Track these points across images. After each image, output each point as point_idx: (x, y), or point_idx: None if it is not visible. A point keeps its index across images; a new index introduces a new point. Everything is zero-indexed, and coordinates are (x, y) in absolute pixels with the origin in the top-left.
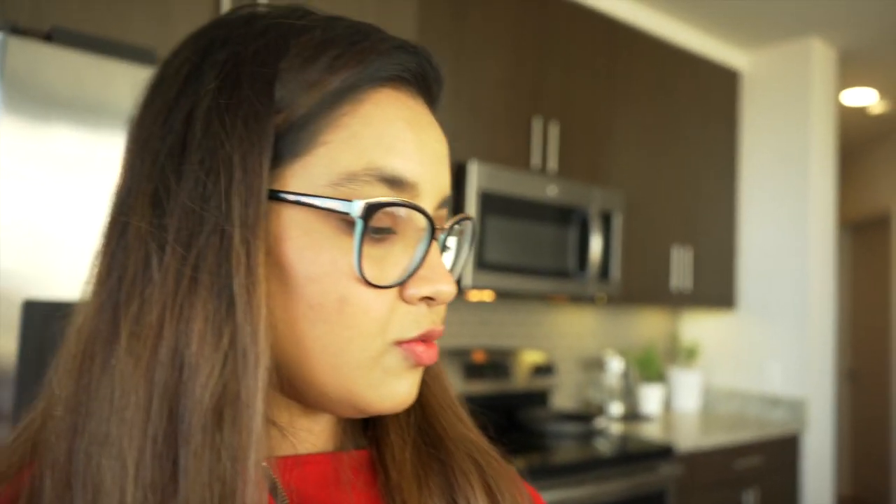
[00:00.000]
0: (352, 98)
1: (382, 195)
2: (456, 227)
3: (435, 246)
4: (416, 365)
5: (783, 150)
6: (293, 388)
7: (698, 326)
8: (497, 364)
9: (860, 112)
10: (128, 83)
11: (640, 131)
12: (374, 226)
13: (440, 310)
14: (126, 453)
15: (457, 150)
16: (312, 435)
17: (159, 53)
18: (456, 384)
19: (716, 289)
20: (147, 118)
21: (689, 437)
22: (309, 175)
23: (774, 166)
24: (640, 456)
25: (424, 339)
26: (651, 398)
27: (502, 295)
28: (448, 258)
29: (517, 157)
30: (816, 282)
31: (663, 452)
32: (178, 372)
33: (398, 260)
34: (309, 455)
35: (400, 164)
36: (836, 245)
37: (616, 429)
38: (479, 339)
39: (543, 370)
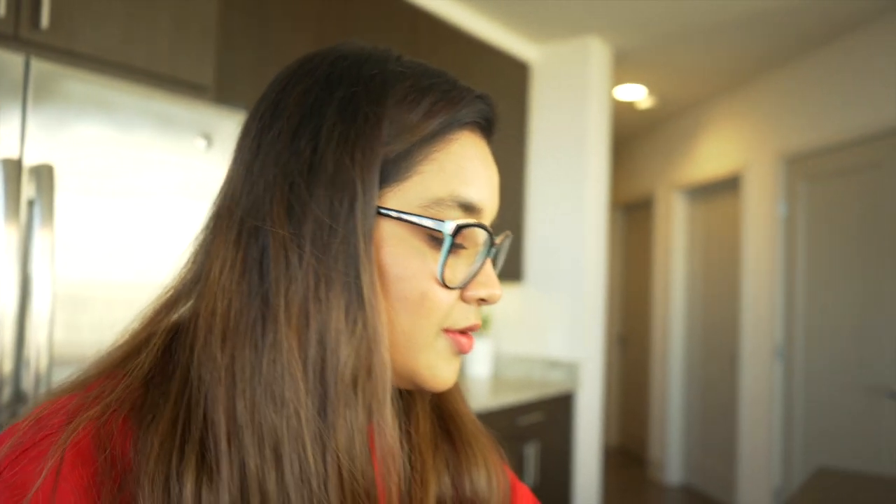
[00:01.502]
0: (442, 138)
1: (459, 217)
2: (505, 242)
3: (489, 258)
4: (460, 352)
5: (565, 138)
6: None
7: None
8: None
9: (630, 106)
10: None
11: None
12: (456, 241)
13: (482, 310)
14: (299, 408)
15: None
16: None
17: None
18: None
19: (506, 264)
20: (267, 137)
21: (479, 398)
22: (405, 197)
23: (558, 152)
24: None
25: (467, 330)
26: None
27: None
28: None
29: None
30: (591, 257)
31: None
32: (323, 350)
33: (463, 267)
34: None
35: (474, 193)
36: (608, 224)
37: None
38: None
39: None
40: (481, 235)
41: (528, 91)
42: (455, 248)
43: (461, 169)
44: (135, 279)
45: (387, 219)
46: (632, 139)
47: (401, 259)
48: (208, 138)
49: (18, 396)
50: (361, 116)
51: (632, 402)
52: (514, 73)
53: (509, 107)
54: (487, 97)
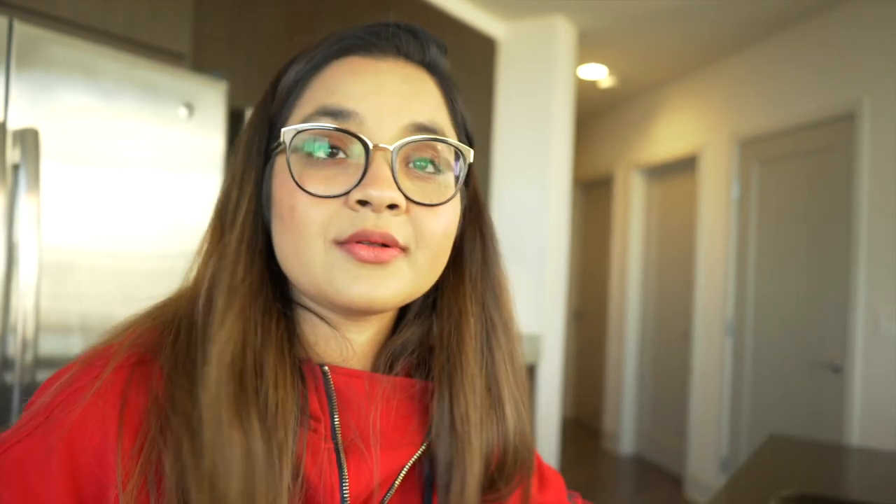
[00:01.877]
0: (317, 72)
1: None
2: (430, 150)
3: (377, 160)
4: (360, 261)
5: (531, 115)
6: (301, 299)
7: None
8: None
9: (592, 85)
10: None
11: None
12: (308, 149)
13: (397, 222)
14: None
15: (234, 96)
16: (347, 353)
17: None
18: None
19: None
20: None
21: None
22: (285, 135)
23: (523, 129)
24: None
25: (359, 239)
26: None
27: None
28: (438, 180)
29: None
30: (554, 234)
31: None
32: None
33: (350, 176)
34: (355, 370)
35: (339, 100)
36: (570, 201)
37: None
38: None
39: None
40: (354, 138)
41: (495, 67)
42: (318, 159)
43: (329, 87)
44: (117, 247)
45: (276, 157)
46: (593, 118)
47: (278, 183)
48: (189, 107)
49: (5, 363)
50: (268, 91)
51: (586, 375)
52: (482, 49)
53: (476, 82)
54: (385, 25)
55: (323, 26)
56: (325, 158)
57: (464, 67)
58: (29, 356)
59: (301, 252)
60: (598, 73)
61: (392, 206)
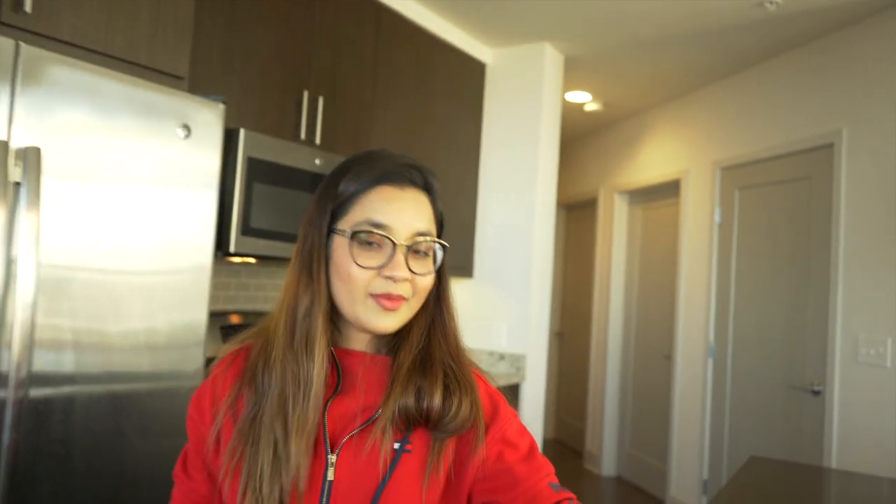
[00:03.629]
0: (365, 191)
1: (371, 231)
2: (424, 245)
3: (398, 253)
4: (384, 309)
5: (517, 137)
6: (343, 317)
7: None
8: (252, 325)
9: (578, 108)
10: None
11: (399, 110)
12: (361, 240)
13: (405, 286)
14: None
15: (227, 117)
16: (361, 343)
17: None
18: (212, 346)
19: (458, 260)
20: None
21: None
22: (346, 223)
23: (509, 152)
24: None
25: (387, 297)
26: None
27: (264, 259)
28: (425, 262)
29: (285, 128)
30: (538, 255)
31: None
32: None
33: (380, 259)
34: (356, 351)
35: (379, 217)
36: (555, 223)
37: None
38: (237, 302)
39: None
40: (388, 239)
41: (484, 90)
42: (366, 245)
43: (373, 205)
44: (112, 263)
45: (337, 235)
46: (577, 140)
47: (340, 256)
48: (187, 128)
49: None
50: (331, 186)
51: (568, 395)
52: (471, 72)
53: (466, 105)
54: (405, 164)
55: (316, 54)
56: (367, 246)
57: (453, 90)
58: (23, 372)
59: (352, 297)
60: (584, 98)
61: (403, 280)
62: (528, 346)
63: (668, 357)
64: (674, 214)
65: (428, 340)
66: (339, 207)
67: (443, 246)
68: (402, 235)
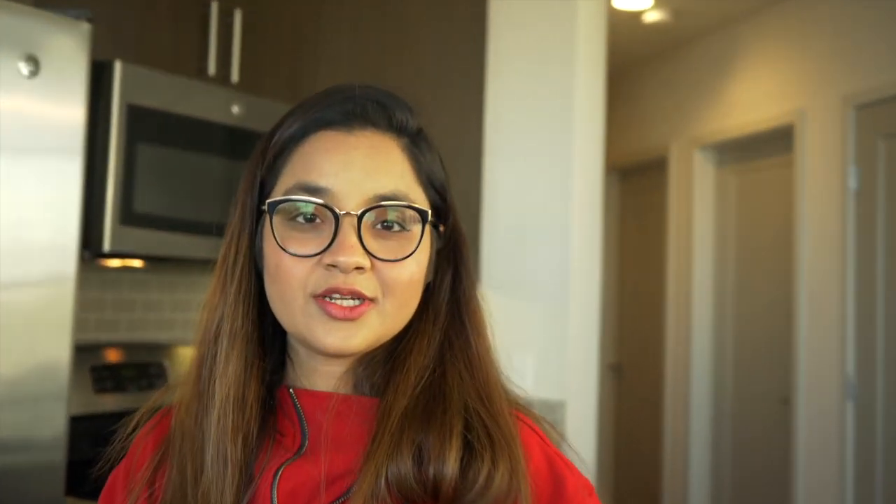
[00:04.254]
0: (298, 144)
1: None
2: (394, 214)
3: (345, 228)
4: (331, 318)
5: (541, 67)
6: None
7: None
8: (144, 367)
9: (634, 20)
10: None
11: (357, 34)
12: (289, 214)
13: (365, 280)
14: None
15: (96, 44)
16: (335, 378)
17: None
18: (80, 399)
19: None
20: None
21: None
22: (276, 196)
23: (529, 88)
24: None
25: (328, 293)
26: None
27: (156, 262)
28: (396, 242)
29: (184, 60)
30: (579, 249)
31: None
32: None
33: (324, 239)
34: (325, 392)
35: (314, 177)
36: (603, 196)
37: None
38: (117, 330)
39: None
40: (326, 209)
41: (487, 8)
42: (297, 222)
43: (307, 162)
44: None
45: (266, 214)
46: (633, 69)
47: (265, 243)
48: (34, 60)
49: None
50: (264, 144)
51: (630, 462)
52: None
53: (457, 18)
54: (353, 96)
55: None
56: (303, 223)
57: (439, 9)
58: None
59: (286, 302)
60: (643, 3)
61: (356, 267)
62: (566, 388)
63: (786, 401)
64: (785, 179)
65: (440, 371)
66: (269, 173)
67: (423, 213)
68: (349, 201)
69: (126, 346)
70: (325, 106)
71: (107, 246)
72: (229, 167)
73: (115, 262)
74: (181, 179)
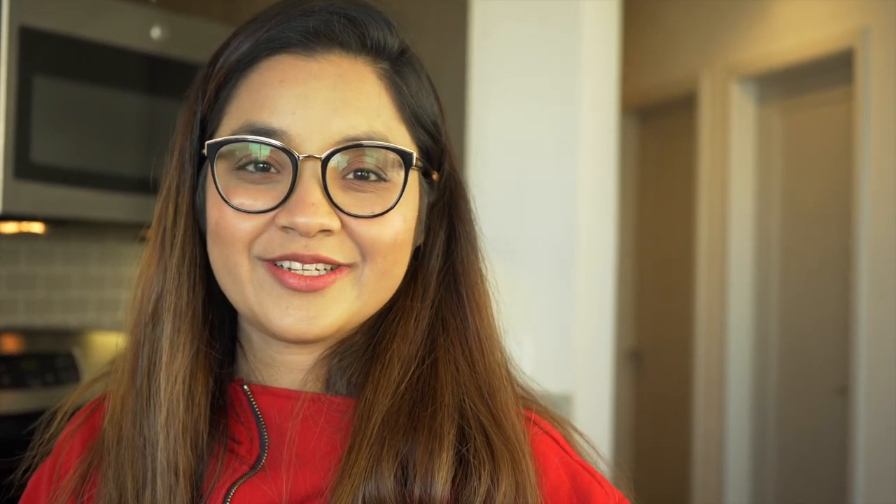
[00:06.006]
0: (246, 73)
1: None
2: (372, 160)
3: (305, 177)
4: (290, 289)
5: None
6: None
7: None
8: (48, 359)
9: None
10: None
11: None
12: (236, 160)
13: (325, 241)
14: None
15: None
16: (300, 372)
17: None
18: None
19: None
20: None
21: None
22: (219, 137)
23: (524, 19)
24: None
25: (284, 259)
26: None
27: (61, 226)
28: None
29: None
30: (588, 209)
31: None
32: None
33: (279, 192)
34: (289, 390)
35: (266, 117)
36: (618, 143)
37: None
38: (14, 312)
39: None
40: (283, 153)
41: None
42: (246, 170)
43: (257, 96)
44: None
45: (209, 161)
46: None
47: (208, 196)
48: None
49: None
50: (205, 72)
51: (653, 468)
52: None
53: None
54: (312, 7)
55: None
56: (254, 173)
57: None
58: None
59: (229, 269)
60: None
61: (319, 226)
62: (573, 379)
63: (843, 391)
64: (844, 118)
65: (431, 361)
66: (211, 109)
67: (406, 155)
68: (311, 143)
69: (26, 333)
70: (279, 23)
71: None
72: (150, 105)
73: (8, 227)
74: (90, 121)
